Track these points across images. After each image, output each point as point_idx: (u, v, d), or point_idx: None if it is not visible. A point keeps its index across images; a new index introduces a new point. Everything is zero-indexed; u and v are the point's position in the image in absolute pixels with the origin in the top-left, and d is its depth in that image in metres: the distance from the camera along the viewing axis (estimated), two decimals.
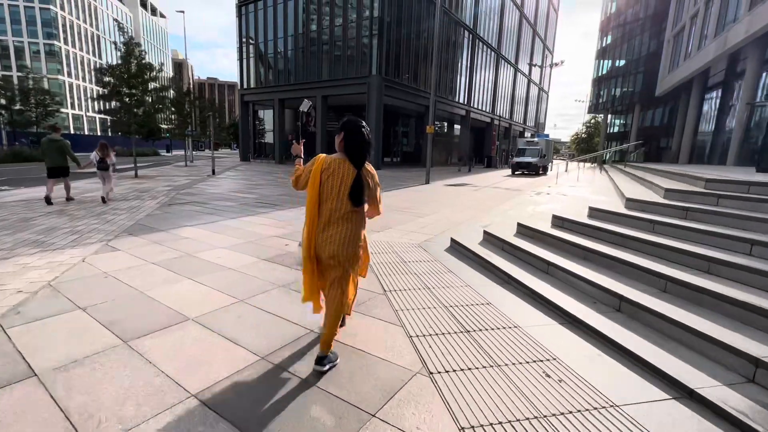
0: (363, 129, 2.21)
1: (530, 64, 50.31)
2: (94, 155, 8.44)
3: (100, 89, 14.88)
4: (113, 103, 15.09)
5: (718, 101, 23.48)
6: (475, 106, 38.74)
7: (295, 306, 3.18)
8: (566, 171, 35.08)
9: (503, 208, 8.82)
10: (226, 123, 66.68)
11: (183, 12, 28.61)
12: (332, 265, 2.25)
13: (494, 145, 41.45)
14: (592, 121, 53.10)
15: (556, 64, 38.36)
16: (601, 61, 45.22)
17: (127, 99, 14.39)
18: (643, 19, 36.65)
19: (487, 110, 41.79)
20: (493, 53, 41.19)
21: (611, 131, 45.06)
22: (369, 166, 2.25)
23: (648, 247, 3.67)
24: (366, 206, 2.31)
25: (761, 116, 16.23)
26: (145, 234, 5.59)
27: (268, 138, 39.68)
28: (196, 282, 3.70)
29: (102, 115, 20.62)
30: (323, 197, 2.17)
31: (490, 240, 5.07)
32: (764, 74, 17.24)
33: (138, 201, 8.73)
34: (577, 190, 9.67)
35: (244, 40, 32.50)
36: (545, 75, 61.23)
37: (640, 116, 37.09)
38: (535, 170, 25.86)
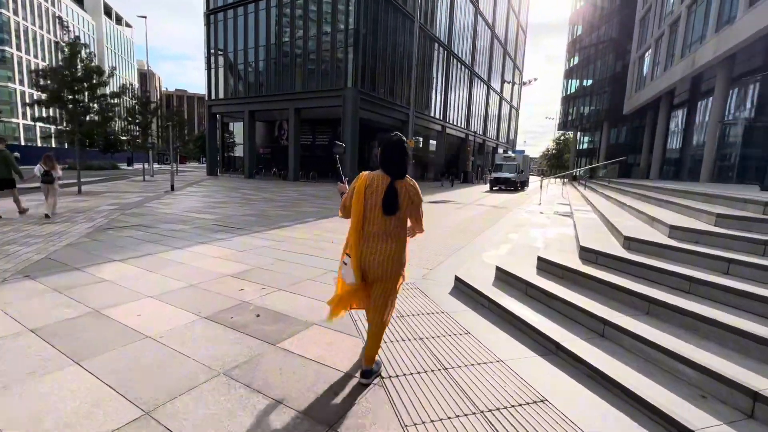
0: (398, 142, 2.22)
1: (504, 81, 51.26)
2: (38, 168, 8.00)
3: (37, 94, 13.03)
4: (55, 111, 13.25)
5: (684, 119, 24.09)
6: (451, 121, 38.63)
7: (248, 417, 1.93)
8: (541, 187, 35.39)
9: (501, 231, 7.84)
10: (194, 135, 64.01)
11: (145, 17, 26.82)
12: (378, 279, 2.25)
13: (469, 160, 41.39)
14: (562, 138, 54.51)
15: (529, 82, 39.00)
16: (570, 80, 46.61)
17: (71, 105, 12.64)
18: (609, 42, 38.03)
19: (462, 126, 41.83)
20: (467, 70, 41.49)
21: (581, 148, 46.20)
22: (409, 180, 2.23)
23: (735, 298, 2.68)
24: (408, 223, 2.34)
25: (732, 133, 16.40)
26: (49, 275, 4.14)
27: (238, 151, 37.77)
28: (83, 370, 2.34)
29: (42, 124, 18.42)
30: (367, 213, 2.19)
31: (507, 280, 3.98)
32: (732, 92, 17.59)
33: (66, 224, 7.13)
34: (573, 208, 8.88)
35: (212, 50, 30.96)
36: (515, 93, 62.76)
37: (608, 133, 38.09)
38: (513, 186, 25.55)
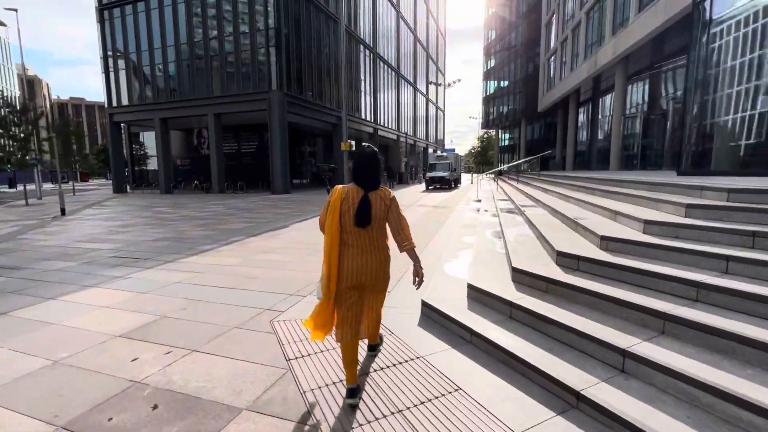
0: (370, 155, 2.24)
1: (429, 83, 52.60)
2: None
3: None
4: None
5: (590, 115, 26.47)
6: (382, 123, 38.50)
7: None
8: (472, 182, 36.91)
9: (453, 234, 7.32)
10: (96, 147, 56.10)
11: (15, 10, 22.29)
12: (370, 290, 2.27)
13: (402, 161, 41.69)
14: (485, 136, 57.67)
15: (453, 83, 40.34)
16: (488, 81, 49.39)
17: None
18: (520, 46, 40.90)
19: (393, 128, 41.99)
20: (393, 73, 41.75)
21: (503, 144, 49.16)
22: (385, 190, 2.23)
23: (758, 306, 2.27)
24: (391, 236, 2.30)
25: (632, 126, 18.13)
26: None
27: (153, 164, 33.74)
28: None
29: None
30: (344, 226, 2.15)
31: (485, 301, 3.34)
32: (629, 89, 19.51)
33: None
34: (519, 204, 8.74)
35: (110, 51, 27.08)
36: (440, 95, 65.08)
37: (526, 130, 40.95)
38: (448, 184, 25.95)
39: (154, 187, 28.40)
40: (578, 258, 3.35)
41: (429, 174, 26.34)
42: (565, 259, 3.48)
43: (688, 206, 3.68)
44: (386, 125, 39.80)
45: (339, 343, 2.23)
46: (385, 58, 38.95)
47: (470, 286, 3.52)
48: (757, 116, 7.22)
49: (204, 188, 25.57)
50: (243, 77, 23.38)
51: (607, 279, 3.05)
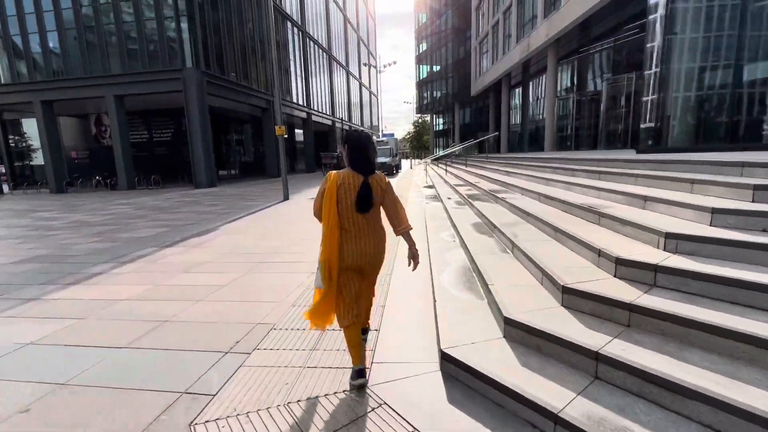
0: (365, 138, 2.17)
1: (364, 64, 50.83)
2: None
3: None
4: None
5: (521, 98, 27.15)
6: (316, 108, 36.15)
7: None
8: (411, 168, 36.54)
9: (433, 233, 6.17)
10: None
11: None
12: (366, 273, 2.23)
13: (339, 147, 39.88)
14: (420, 120, 57.79)
15: (389, 64, 39.12)
16: (420, 65, 49.04)
17: None
18: (451, 29, 40.86)
19: (328, 113, 39.81)
20: (325, 55, 39.30)
21: (438, 129, 49.51)
22: (380, 175, 2.19)
23: None
24: (387, 219, 2.24)
25: (565, 107, 18.60)
26: None
27: (38, 158, 27.91)
28: None
29: None
30: (342, 212, 2.11)
31: (543, 346, 2.18)
32: (561, 70, 19.99)
33: None
34: (491, 191, 7.88)
35: None
36: (374, 79, 63.67)
37: (460, 114, 41.43)
38: (389, 170, 25.00)
39: (42, 186, 23.36)
40: (654, 268, 2.35)
41: None
42: (630, 270, 2.46)
43: (757, 188, 2.88)
44: (320, 110, 37.52)
45: (342, 329, 2.22)
46: (316, 38, 36.36)
47: (510, 321, 2.35)
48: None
49: (109, 185, 21.53)
50: (149, 53, 19.72)
51: (706, 300, 2.07)
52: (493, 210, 5.46)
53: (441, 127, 48.60)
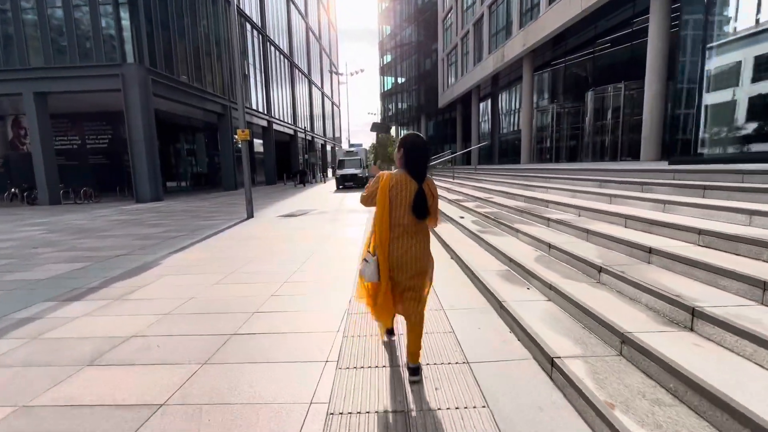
0: (422, 143, 2.17)
1: (330, 71, 49.16)
2: None
3: None
4: None
5: (490, 109, 26.78)
6: (277, 116, 33.82)
7: None
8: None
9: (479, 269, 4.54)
10: None
11: None
12: (410, 276, 2.20)
13: (305, 158, 37.65)
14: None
15: (356, 72, 37.77)
16: (385, 77, 48.31)
17: None
18: (415, 42, 40.50)
19: (290, 122, 37.54)
20: (287, 61, 37.21)
21: None
22: (430, 180, 2.20)
23: None
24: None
25: (544, 119, 18.09)
26: None
27: None
28: None
29: None
30: (393, 213, 2.14)
31: None
32: (536, 80, 19.59)
33: None
34: (499, 206, 6.45)
35: None
36: (335, 91, 62.06)
37: (426, 126, 40.87)
38: (360, 182, 23.31)
39: None
40: None
41: (339, 171, 23.30)
42: None
43: None
44: (282, 119, 35.21)
45: (407, 321, 2.28)
46: (277, 43, 34.25)
47: None
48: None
49: (28, 198, 17.88)
50: (80, 44, 16.73)
51: None
52: (575, 242, 3.95)
53: None
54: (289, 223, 8.93)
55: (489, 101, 26.62)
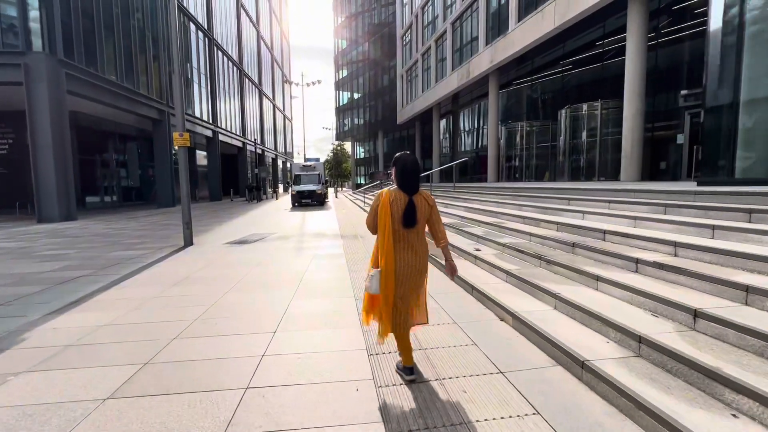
0: (412, 162, 2.31)
1: (285, 81, 46.73)
2: None
3: None
4: None
5: (452, 126, 26.37)
6: (224, 126, 30.84)
7: None
8: (336, 197, 33.09)
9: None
10: None
11: None
12: (412, 283, 2.32)
13: (254, 172, 34.68)
14: (339, 148, 55.22)
15: (313, 83, 35.91)
16: (340, 92, 47.02)
17: None
18: (372, 57, 39.82)
19: (238, 133, 34.57)
20: (236, 69, 34.49)
21: (359, 157, 47.38)
22: (425, 193, 2.34)
23: None
24: (428, 230, 2.42)
25: (512, 137, 17.63)
26: None
27: None
28: None
29: None
30: (396, 226, 2.26)
31: None
32: (502, 97, 19.25)
33: None
34: (521, 235, 5.08)
35: None
36: (287, 104, 59.53)
37: (383, 142, 39.96)
38: (319, 200, 21.33)
39: None
40: None
41: (295, 188, 21.13)
42: None
43: None
44: (229, 129, 32.24)
45: (393, 333, 2.34)
46: (225, 48, 31.58)
47: None
48: None
49: None
50: None
51: None
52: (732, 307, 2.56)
53: (362, 155, 46.65)
54: (241, 254, 6.87)
55: (450, 118, 26.23)
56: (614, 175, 12.23)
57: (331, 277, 5.02)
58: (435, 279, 4.14)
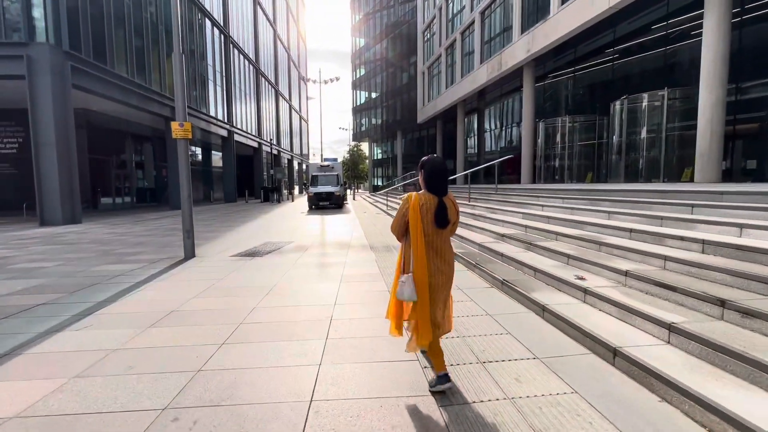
0: (441, 165, 2.30)
1: (302, 78, 45.89)
2: None
3: None
4: None
5: (478, 124, 24.70)
6: (239, 126, 29.93)
7: None
8: (354, 199, 31.75)
9: None
10: None
11: None
12: (443, 284, 2.28)
13: (270, 174, 33.71)
14: (355, 148, 54.00)
15: (332, 80, 34.77)
16: (358, 91, 45.78)
17: None
18: (392, 55, 38.38)
19: (254, 134, 33.66)
20: (252, 68, 33.62)
21: (377, 158, 45.97)
22: (452, 196, 2.33)
23: None
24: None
25: (551, 134, 15.87)
26: None
27: None
28: None
29: None
30: (426, 229, 2.22)
31: None
32: (536, 92, 17.52)
33: None
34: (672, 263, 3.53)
35: None
36: (303, 105, 58.73)
37: (402, 143, 38.42)
38: (338, 202, 20.00)
39: None
40: None
41: (313, 189, 19.86)
42: None
43: None
44: (245, 129, 31.33)
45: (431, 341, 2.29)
46: (241, 46, 30.71)
47: None
48: None
49: None
50: None
51: None
52: None
53: (379, 156, 45.23)
54: (250, 272, 5.49)
55: (476, 116, 24.56)
56: (679, 176, 10.46)
57: (373, 315, 3.56)
58: (549, 337, 2.62)
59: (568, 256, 4.16)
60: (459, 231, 7.44)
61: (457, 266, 5.26)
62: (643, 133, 11.52)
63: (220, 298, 4.16)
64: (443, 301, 2.30)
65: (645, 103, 11.36)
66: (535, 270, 4.11)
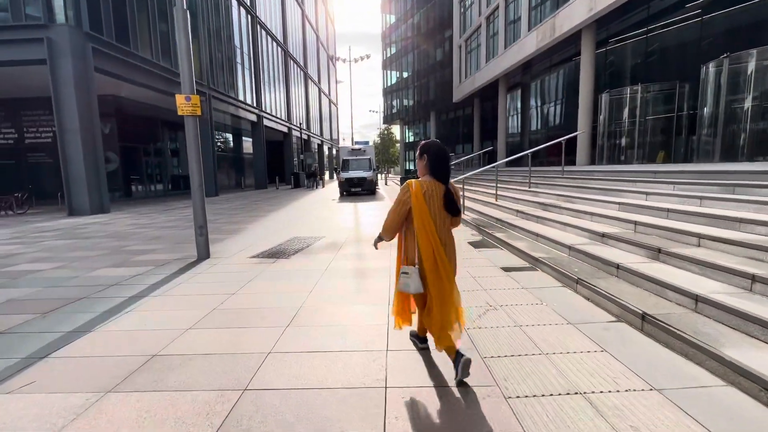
0: (444, 151, 2.23)
1: (331, 57, 44.58)
2: None
3: None
4: None
5: (522, 100, 22.42)
6: (268, 111, 29.13)
7: None
8: (386, 184, 30.46)
9: None
10: None
11: None
12: (449, 270, 2.20)
13: (301, 159, 32.97)
14: (385, 131, 52.28)
15: (362, 58, 33.19)
16: (389, 71, 43.78)
17: None
18: (425, 29, 35.97)
19: (283, 118, 32.83)
20: (280, 50, 32.53)
21: (409, 141, 44.14)
22: (452, 183, 2.26)
23: None
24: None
25: (618, 107, 13.61)
26: None
27: None
28: None
29: None
30: (433, 217, 2.15)
31: None
32: (597, 59, 15.17)
33: None
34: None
35: None
36: (333, 89, 57.36)
37: (436, 124, 36.33)
38: (370, 188, 18.75)
39: None
40: None
41: (344, 174, 18.69)
42: None
43: None
44: (274, 114, 30.52)
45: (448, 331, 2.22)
46: (269, 28, 29.60)
47: None
48: None
49: None
50: None
51: None
52: None
53: (412, 138, 43.33)
54: (272, 283, 4.32)
55: (520, 91, 22.24)
56: None
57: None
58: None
59: (752, 277, 2.62)
60: (527, 225, 5.92)
61: (549, 280, 3.85)
62: (747, 103, 9.27)
63: (223, 331, 2.98)
64: (449, 275, 2.17)
65: (752, 63, 9.08)
66: (696, 298, 2.61)
